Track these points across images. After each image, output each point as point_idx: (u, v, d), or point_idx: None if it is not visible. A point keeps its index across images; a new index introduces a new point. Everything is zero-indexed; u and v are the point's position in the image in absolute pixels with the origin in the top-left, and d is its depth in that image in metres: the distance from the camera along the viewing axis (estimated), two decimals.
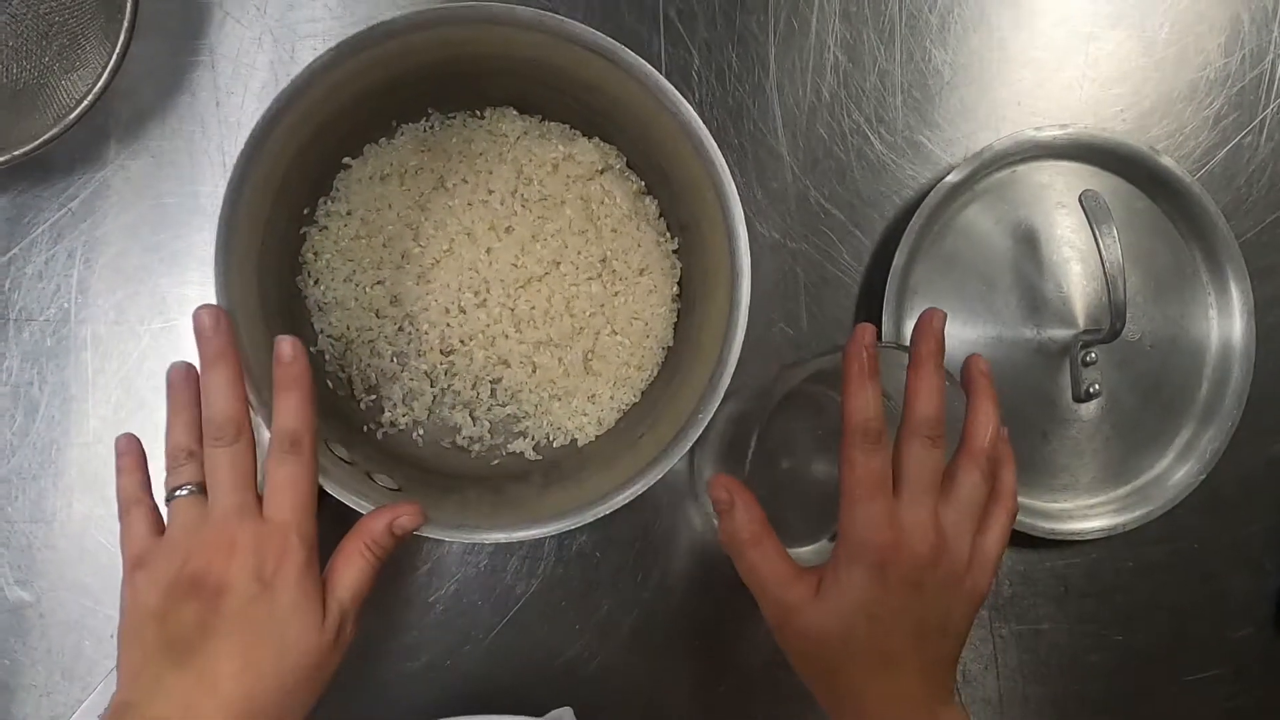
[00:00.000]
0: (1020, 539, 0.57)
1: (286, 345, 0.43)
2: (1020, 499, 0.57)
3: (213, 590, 0.40)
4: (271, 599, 0.41)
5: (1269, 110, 0.63)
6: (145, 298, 0.53)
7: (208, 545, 0.41)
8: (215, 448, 0.42)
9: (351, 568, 0.43)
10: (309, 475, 0.43)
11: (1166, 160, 0.59)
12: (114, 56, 0.48)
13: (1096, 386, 0.57)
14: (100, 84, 0.48)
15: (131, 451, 0.46)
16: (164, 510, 0.44)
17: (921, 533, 0.42)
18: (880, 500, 0.42)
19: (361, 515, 0.44)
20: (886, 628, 0.42)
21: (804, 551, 0.55)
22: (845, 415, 0.43)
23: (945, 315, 0.45)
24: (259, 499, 0.43)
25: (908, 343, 0.46)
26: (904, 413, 0.44)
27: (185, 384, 0.45)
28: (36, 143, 0.48)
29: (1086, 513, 0.59)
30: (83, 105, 0.48)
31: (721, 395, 0.46)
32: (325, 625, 0.42)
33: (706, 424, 0.46)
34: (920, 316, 0.45)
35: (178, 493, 0.43)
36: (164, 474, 0.44)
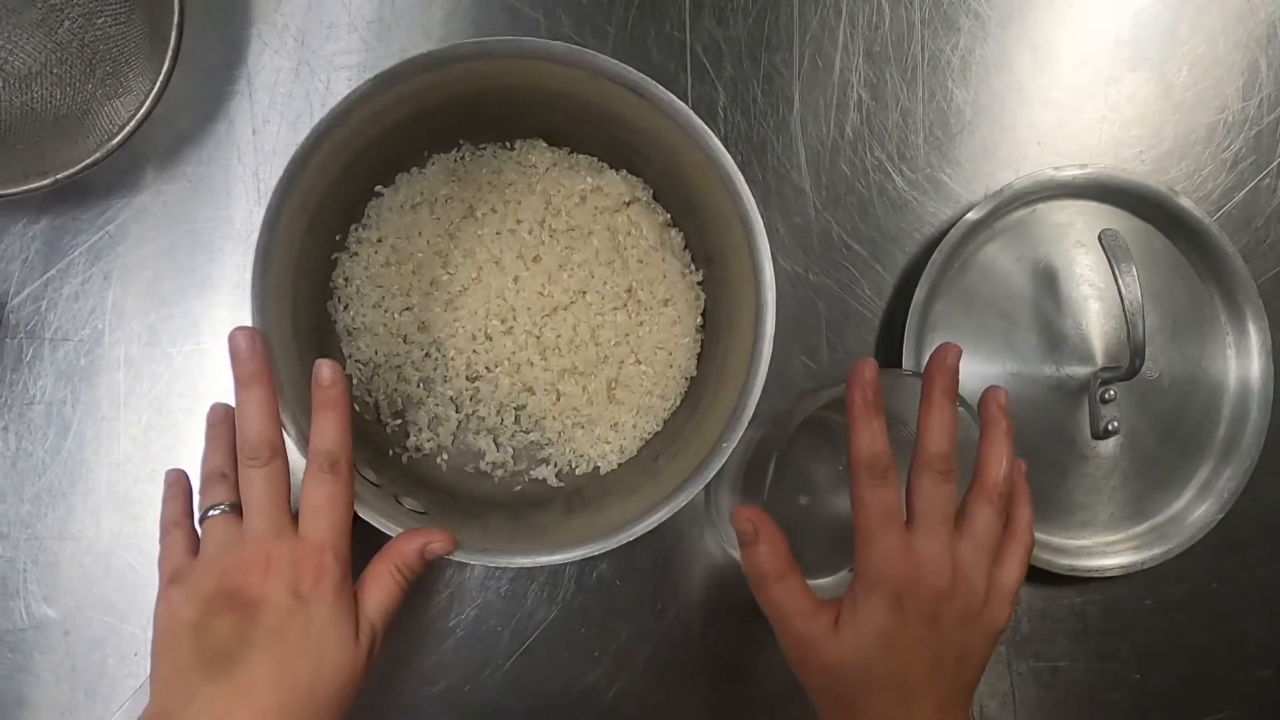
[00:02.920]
0: (1038, 575, 0.57)
1: (326, 369, 0.44)
2: (1038, 535, 0.58)
3: (250, 604, 0.41)
4: (308, 614, 0.41)
5: None
6: (178, 320, 0.54)
7: (244, 562, 0.42)
8: (250, 468, 0.43)
9: (381, 588, 0.44)
10: (346, 496, 0.43)
11: (1185, 201, 0.60)
12: (157, 85, 0.49)
13: (1115, 424, 0.58)
14: (142, 111, 0.49)
15: (179, 483, 0.48)
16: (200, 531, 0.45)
17: (936, 565, 0.42)
18: (893, 532, 0.43)
19: (389, 537, 0.45)
20: (904, 660, 0.42)
21: (823, 583, 0.55)
22: (852, 452, 0.43)
23: (960, 351, 0.45)
24: (294, 519, 0.43)
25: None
26: (916, 446, 0.44)
27: (224, 423, 0.46)
28: (78, 167, 0.49)
29: (1105, 550, 0.59)
30: (125, 131, 0.49)
31: (745, 426, 0.47)
32: (359, 642, 0.42)
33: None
34: (934, 352, 0.45)
35: (211, 512, 0.44)
36: (199, 498, 0.45)
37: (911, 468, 0.44)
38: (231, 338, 0.44)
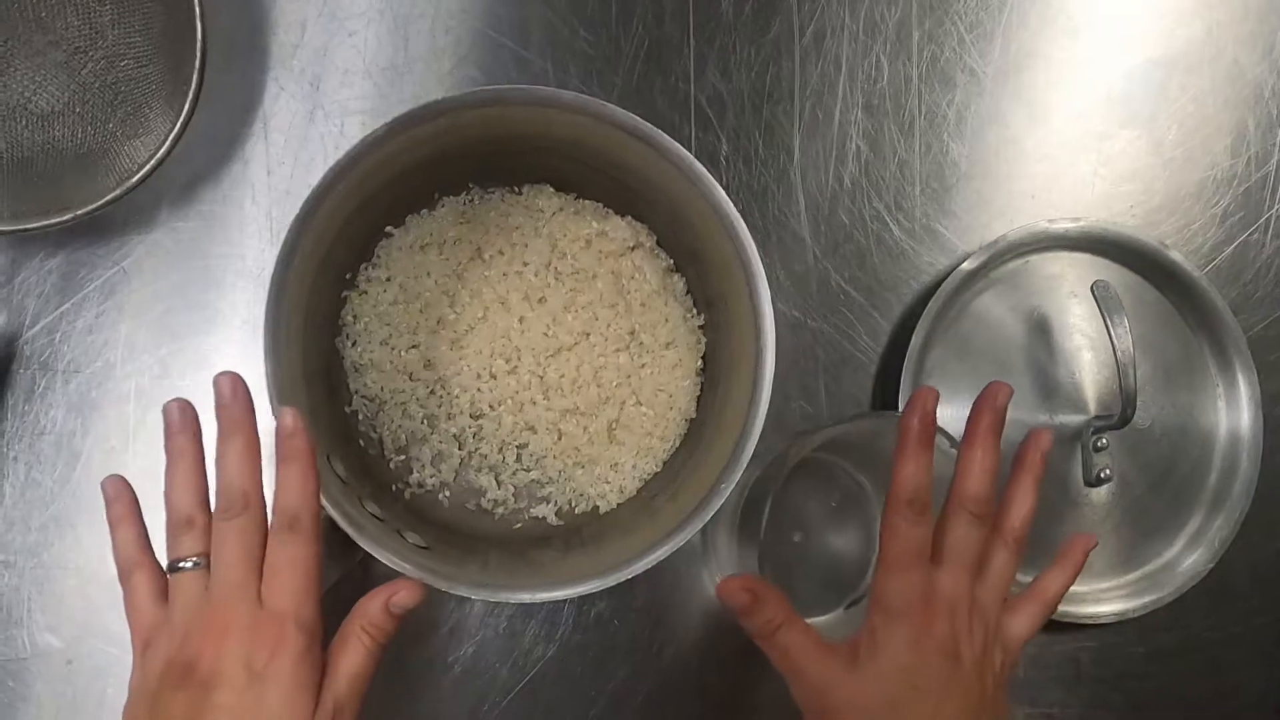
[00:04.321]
0: None
1: (288, 417, 0.42)
2: (1026, 579, 0.58)
3: (204, 681, 0.39)
4: (261, 692, 0.39)
5: (1274, 210, 0.65)
6: (189, 354, 0.55)
7: (203, 628, 0.40)
8: (223, 520, 0.41)
9: (349, 654, 0.42)
10: (310, 556, 0.41)
11: (1175, 254, 0.61)
12: (177, 126, 0.50)
13: (1107, 471, 0.59)
14: (162, 151, 0.50)
15: (121, 498, 0.45)
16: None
17: (957, 605, 0.42)
18: (919, 571, 0.42)
19: (393, 571, 0.45)
20: (934, 703, 0.41)
21: (818, 621, 0.55)
22: (895, 482, 0.43)
23: (1011, 392, 0.45)
24: (260, 564, 0.41)
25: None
26: (953, 485, 0.44)
27: (183, 426, 0.44)
28: (98, 204, 0.50)
29: (1098, 597, 0.60)
30: (144, 170, 0.50)
31: (743, 468, 0.47)
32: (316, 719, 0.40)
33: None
34: (985, 390, 0.45)
35: (181, 565, 0.42)
36: (165, 536, 0.43)
37: (946, 503, 0.44)
38: (216, 381, 0.43)
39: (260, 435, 0.43)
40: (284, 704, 0.39)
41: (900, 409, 0.57)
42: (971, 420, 0.44)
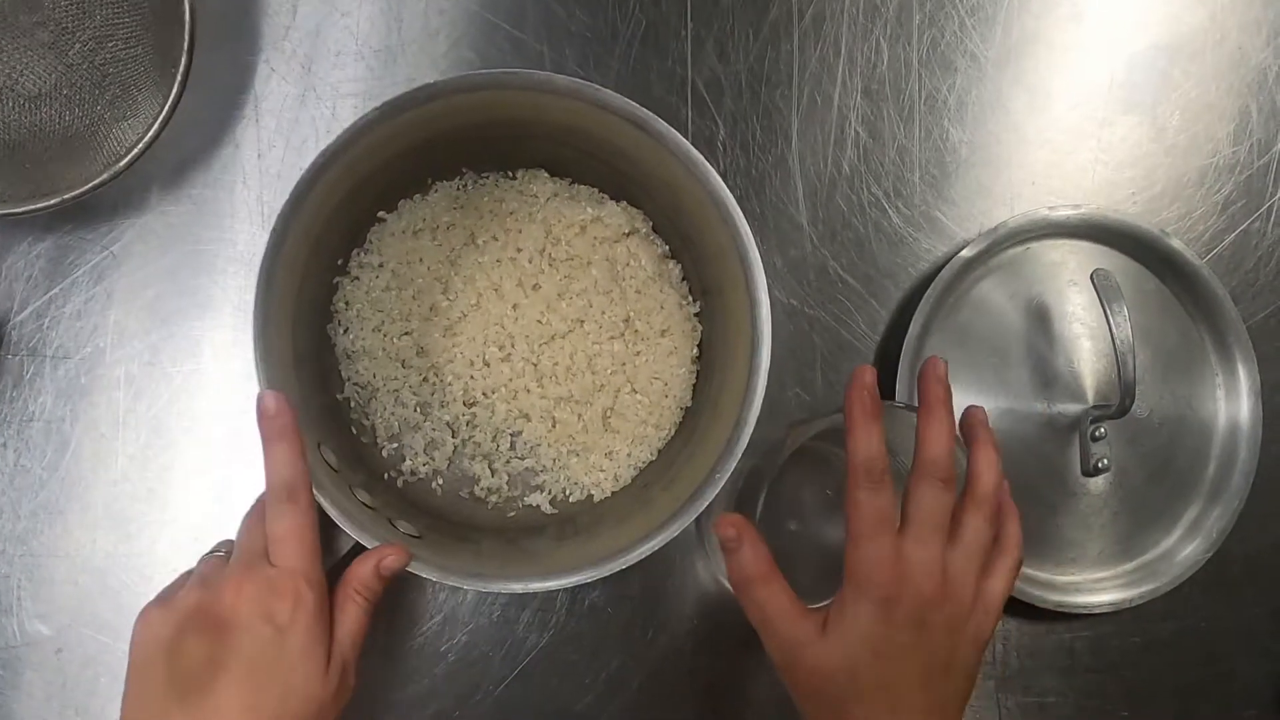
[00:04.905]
0: (1027, 611, 0.58)
1: (270, 399, 0.44)
2: (1027, 570, 0.58)
3: (224, 626, 0.41)
4: (282, 643, 0.41)
5: (1276, 198, 0.64)
6: (179, 340, 0.54)
7: (222, 586, 0.42)
8: (274, 505, 0.44)
9: (346, 616, 0.44)
10: (310, 524, 0.43)
11: (1176, 243, 0.61)
12: (166, 108, 0.50)
13: (1105, 461, 0.58)
14: (151, 134, 0.50)
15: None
16: None
17: (926, 571, 0.43)
18: (885, 538, 0.43)
19: None
20: (894, 667, 0.42)
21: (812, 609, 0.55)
22: (849, 455, 0.44)
23: (947, 363, 0.46)
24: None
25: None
26: (915, 456, 0.45)
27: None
28: (86, 187, 0.49)
29: (1094, 586, 0.59)
30: (133, 153, 0.49)
31: (739, 457, 0.47)
32: (329, 673, 0.42)
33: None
34: (924, 364, 0.46)
35: (215, 553, 0.46)
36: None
37: (910, 475, 0.45)
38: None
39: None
40: (302, 654, 0.42)
41: (897, 396, 0.57)
42: (921, 394, 0.46)
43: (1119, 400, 0.56)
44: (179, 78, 0.50)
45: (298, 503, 0.43)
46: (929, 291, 0.57)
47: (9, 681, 0.52)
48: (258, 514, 0.45)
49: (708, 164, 0.47)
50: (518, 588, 0.46)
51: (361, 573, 0.44)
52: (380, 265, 0.54)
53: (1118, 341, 0.55)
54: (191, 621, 0.41)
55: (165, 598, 0.43)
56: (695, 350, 0.55)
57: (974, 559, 0.44)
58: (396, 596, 0.55)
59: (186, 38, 0.50)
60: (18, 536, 0.53)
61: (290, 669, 0.41)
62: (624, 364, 0.54)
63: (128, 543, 0.53)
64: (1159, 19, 0.63)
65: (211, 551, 0.46)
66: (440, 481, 0.54)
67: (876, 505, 0.43)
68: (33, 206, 0.49)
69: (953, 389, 0.58)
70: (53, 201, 0.49)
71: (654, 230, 0.56)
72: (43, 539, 0.53)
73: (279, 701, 0.41)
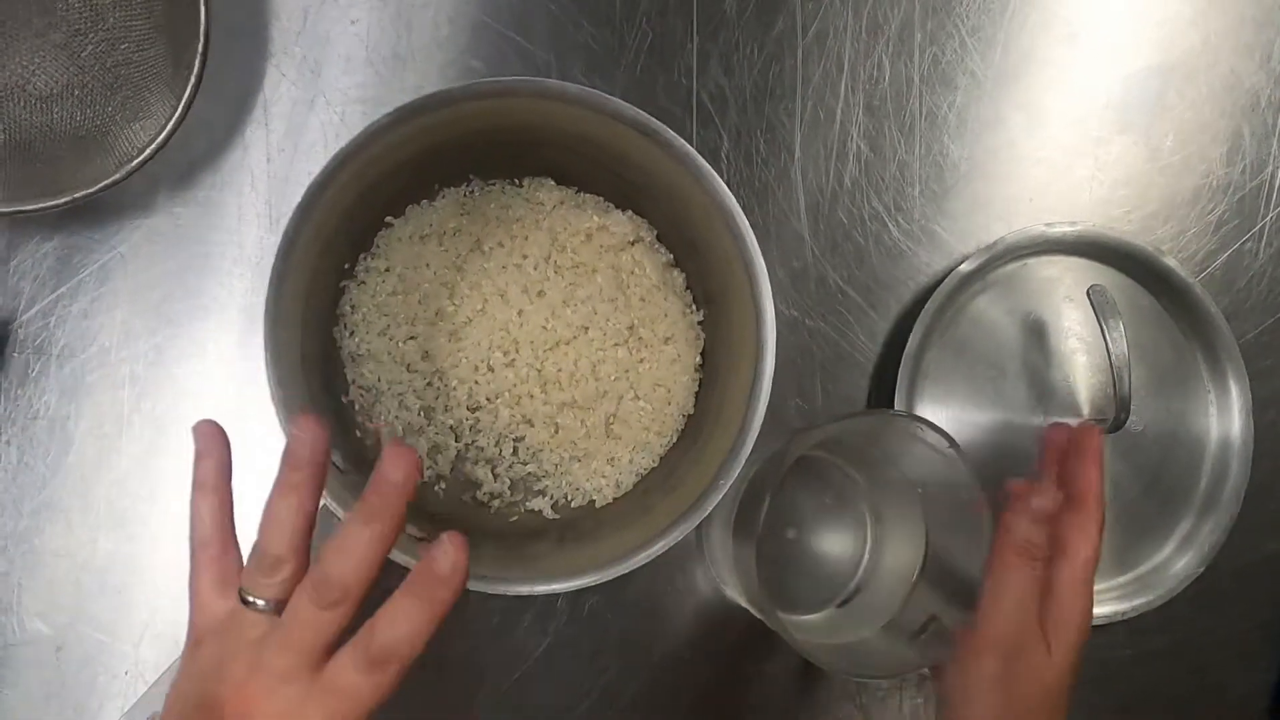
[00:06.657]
0: None
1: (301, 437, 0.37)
2: None
3: None
4: None
5: (1268, 218, 0.65)
6: (185, 341, 0.54)
7: (250, 678, 0.36)
8: (313, 604, 0.36)
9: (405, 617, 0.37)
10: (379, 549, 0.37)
11: (1170, 261, 0.61)
12: (178, 111, 0.50)
13: None
14: (162, 136, 0.50)
15: (210, 454, 0.39)
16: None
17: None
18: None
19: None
20: None
21: (809, 620, 0.55)
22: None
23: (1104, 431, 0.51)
24: (328, 654, 0.36)
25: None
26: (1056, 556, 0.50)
27: (310, 460, 0.38)
28: (96, 187, 0.49)
29: None
30: (144, 154, 0.50)
31: (741, 465, 0.48)
32: None
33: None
34: (1078, 431, 0.53)
35: (252, 601, 0.37)
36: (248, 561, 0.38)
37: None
38: (291, 435, 0.38)
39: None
40: None
41: (896, 408, 0.58)
42: (1074, 477, 0.52)
43: (1114, 415, 0.56)
44: (192, 81, 0.50)
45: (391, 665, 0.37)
46: (928, 305, 0.58)
47: (8, 679, 0.52)
48: (332, 618, 0.36)
49: (714, 172, 0.48)
50: (519, 590, 0.47)
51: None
52: (387, 270, 0.54)
53: (1114, 357, 0.56)
54: (201, 709, 0.36)
55: (202, 642, 0.38)
56: (698, 358, 0.56)
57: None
58: None
59: (200, 41, 0.50)
60: (19, 534, 0.53)
61: None
62: (627, 371, 0.55)
63: (129, 543, 0.53)
64: (1153, 41, 0.65)
65: (249, 596, 0.37)
66: (443, 485, 0.54)
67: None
68: (42, 205, 0.49)
69: (949, 402, 0.59)
70: (62, 201, 0.49)
71: (658, 239, 0.56)
72: (44, 537, 0.53)
73: None
